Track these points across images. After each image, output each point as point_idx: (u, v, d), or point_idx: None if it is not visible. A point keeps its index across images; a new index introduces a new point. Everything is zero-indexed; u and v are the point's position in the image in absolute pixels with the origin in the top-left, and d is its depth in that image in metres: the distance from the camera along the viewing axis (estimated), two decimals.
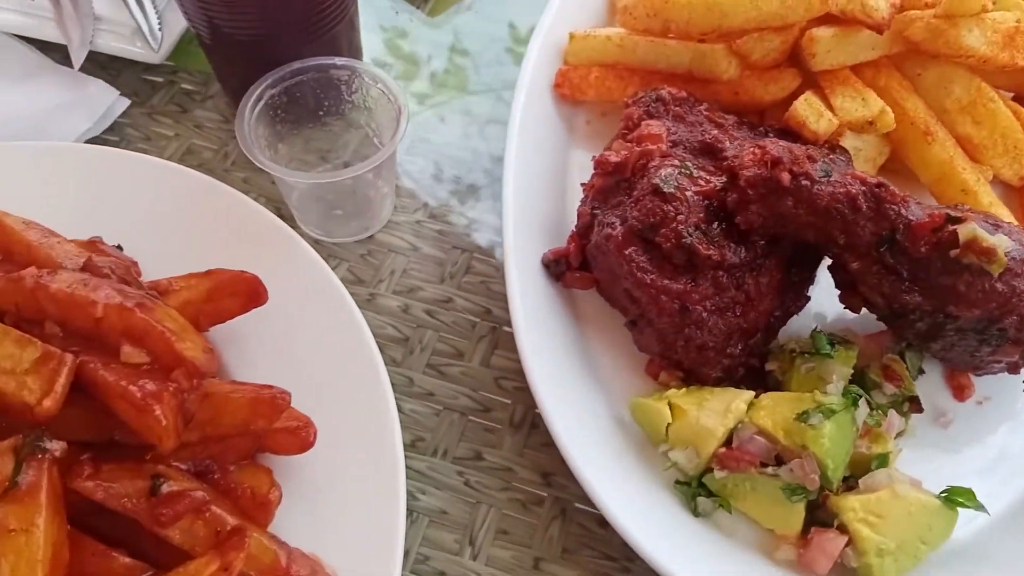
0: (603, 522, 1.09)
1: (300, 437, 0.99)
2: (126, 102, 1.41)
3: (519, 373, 1.20)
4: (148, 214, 1.21)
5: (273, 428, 0.99)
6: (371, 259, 1.31)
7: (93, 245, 1.11)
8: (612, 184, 1.16)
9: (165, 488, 0.91)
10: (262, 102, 1.20)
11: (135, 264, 1.07)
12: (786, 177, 1.01)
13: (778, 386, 1.10)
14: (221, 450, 0.98)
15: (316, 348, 1.10)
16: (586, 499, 1.10)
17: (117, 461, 0.93)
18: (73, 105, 1.39)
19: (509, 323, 1.24)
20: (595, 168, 1.18)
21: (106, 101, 1.39)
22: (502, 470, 1.13)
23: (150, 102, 1.47)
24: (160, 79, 1.50)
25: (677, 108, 1.21)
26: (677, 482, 1.06)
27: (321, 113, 1.29)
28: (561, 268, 1.18)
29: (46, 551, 0.83)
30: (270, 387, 0.98)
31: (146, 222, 1.19)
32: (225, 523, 0.92)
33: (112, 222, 1.17)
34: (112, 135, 1.42)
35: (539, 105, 1.35)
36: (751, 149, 1.04)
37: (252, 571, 0.90)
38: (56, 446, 0.88)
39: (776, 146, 1.03)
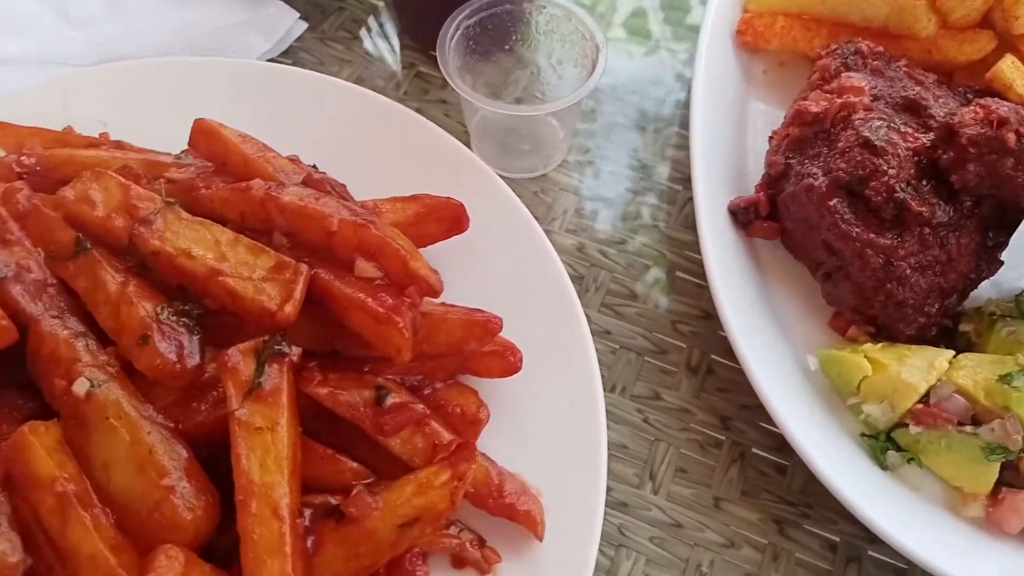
0: (781, 468, 1.11)
1: (508, 361, 1.01)
2: (304, 25, 1.42)
3: (695, 318, 1.22)
4: (337, 138, 1.22)
5: (482, 351, 1.01)
6: (544, 196, 1.32)
7: (295, 163, 1.14)
8: (810, 135, 1.15)
9: (389, 399, 0.94)
10: (459, 32, 1.21)
11: (344, 186, 1.09)
12: (1012, 138, 1.00)
13: (970, 347, 1.09)
14: (431, 368, 1.01)
15: (508, 276, 1.12)
16: (765, 445, 1.13)
17: (340, 371, 0.97)
18: (252, 24, 1.40)
19: (683, 268, 1.26)
20: (792, 118, 1.17)
21: (285, 23, 1.40)
22: (680, 411, 1.15)
23: (321, 27, 1.48)
24: (329, 4, 1.51)
25: (875, 62, 1.20)
26: (863, 435, 1.07)
27: (507, 47, 1.30)
28: (749, 216, 1.18)
29: (288, 450, 0.87)
30: (481, 311, 1.00)
31: (334, 145, 1.21)
32: (442, 437, 0.95)
33: (300, 143, 1.20)
34: (286, 58, 1.43)
35: (720, 52, 1.34)
36: (973, 107, 1.03)
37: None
38: (294, 351, 0.91)
39: (1002, 106, 1.01)
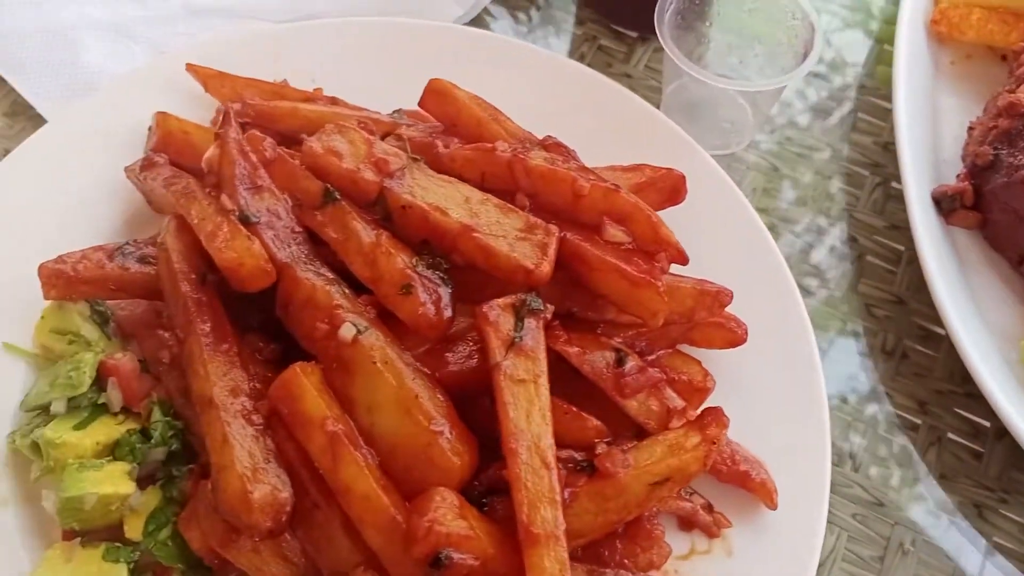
0: (978, 454, 1.13)
1: (733, 333, 1.03)
2: None
3: (888, 303, 1.23)
4: (541, 106, 1.24)
5: (707, 320, 1.03)
6: (730, 174, 1.33)
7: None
8: (1020, 127, 1.16)
9: (629, 362, 0.96)
10: (673, 4, 1.22)
11: (575, 152, 1.11)
12: None
13: None
14: (656, 336, 1.03)
15: (718, 248, 1.13)
16: (961, 431, 1.14)
17: (579, 332, 0.99)
18: None
19: (874, 252, 1.28)
20: (1003, 110, 1.18)
21: None
22: (877, 393, 1.17)
23: None
24: None
25: None
26: None
27: (708, 23, 1.31)
28: (953, 204, 1.19)
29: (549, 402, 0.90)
30: (711, 282, 1.03)
31: (540, 114, 1.22)
32: (675, 402, 0.98)
33: (506, 111, 1.21)
34: (473, 25, 1.45)
35: (912, 40, 1.34)
36: None
37: None
38: (548, 308, 0.94)
39: None
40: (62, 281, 1.04)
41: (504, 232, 0.96)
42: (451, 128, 1.11)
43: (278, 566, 0.89)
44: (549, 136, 1.07)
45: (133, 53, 1.39)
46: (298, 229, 1.01)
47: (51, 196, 1.18)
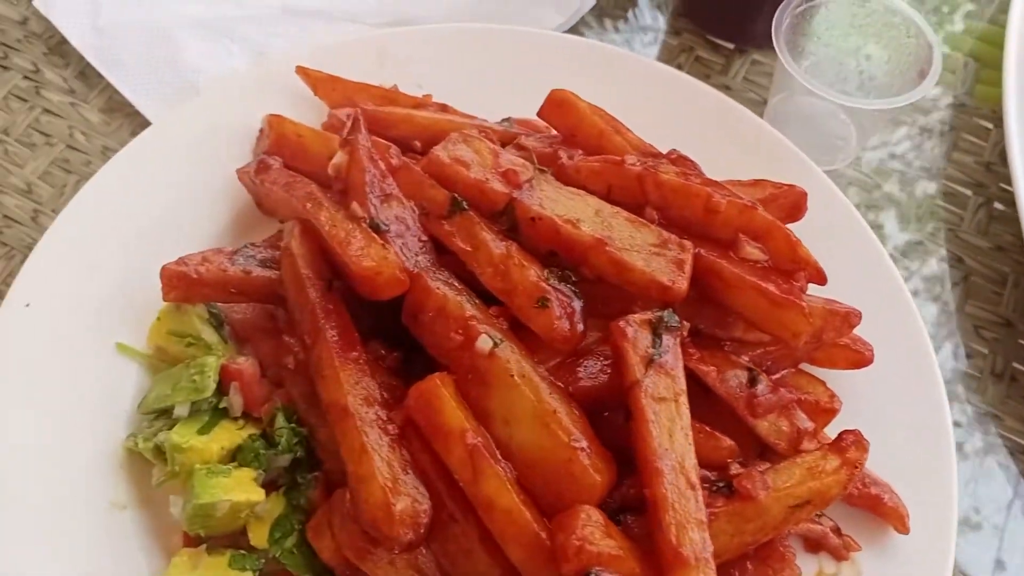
0: None
1: (860, 354, 1.03)
2: (593, 1, 1.43)
3: (995, 324, 1.22)
4: (650, 118, 1.23)
5: (833, 341, 1.03)
6: None
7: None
8: None
9: (761, 382, 0.96)
10: (788, 19, 1.21)
11: (698, 166, 1.10)
12: None
13: None
14: (781, 354, 1.03)
15: (833, 266, 1.12)
16: None
17: (708, 349, 0.98)
18: None
19: (979, 274, 1.27)
20: None
21: None
22: (986, 416, 1.16)
23: (598, 4, 1.49)
24: None
25: None
26: None
27: (817, 37, 1.30)
28: None
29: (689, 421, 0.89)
30: (839, 302, 1.02)
31: (649, 126, 1.21)
32: (805, 423, 0.97)
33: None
34: (570, 33, 1.45)
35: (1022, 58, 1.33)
36: None
37: None
38: (684, 326, 0.93)
39: None
40: (184, 283, 1.04)
41: (637, 246, 0.96)
42: (570, 139, 1.10)
43: None
44: (674, 150, 1.06)
45: (231, 53, 1.39)
46: (424, 238, 1.01)
47: (158, 198, 1.18)
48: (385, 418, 0.92)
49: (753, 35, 1.43)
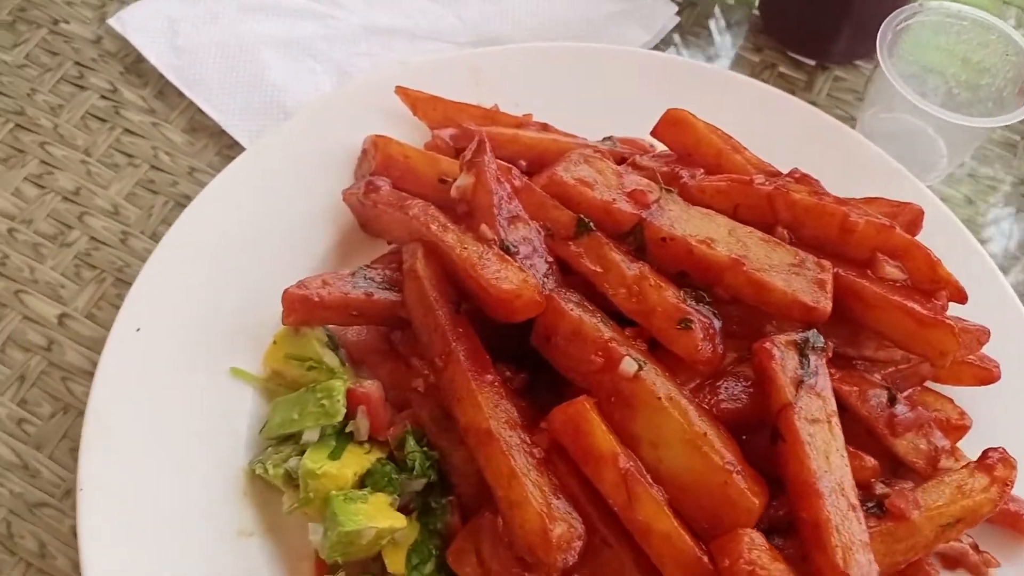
0: None
1: (987, 371, 1.03)
2: (677, 18, 1.44)
3: None
4: (745, 133, 1.23)
5: (961, 360, 1.03)
6: None
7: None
8: None
9: (900, 400, 0.95)
10: (889, 37, 1.22)
11: (819, 182, 1.10)
12: None
13: None
14: (908, 372, 1.03)
15: None
16: None
17: (844, 369, 0.98)
18: (629, 15, 1.42)
19: None
20: None
21: (663, 15, 1.41)
22: None
23: (680, 22, 1.49)
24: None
25: None
26: None
27: (908, 55, 1.31)
28: None
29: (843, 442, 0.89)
30: (968, 320, 1.02)
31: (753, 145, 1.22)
32: (942, 442, 0.97)
33: None
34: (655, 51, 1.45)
35: None
36: None
37: None
38: (830, 347, 0.93)
39: None
40: (305, 307, 1.02)
41: (775, 266, 0.96)
42: (686, 158, 1.10)
43: None
44: (796, 169, 1.06)
45: (315, 71, 1.38)
46: (550, 260, 1.00)
47: (259, 221, 1.17)
48: (528, 441, 0.91)
49: (834, 52, 1.44)
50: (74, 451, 1.12)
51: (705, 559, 0.83)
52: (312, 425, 0.98)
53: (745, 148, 1.10)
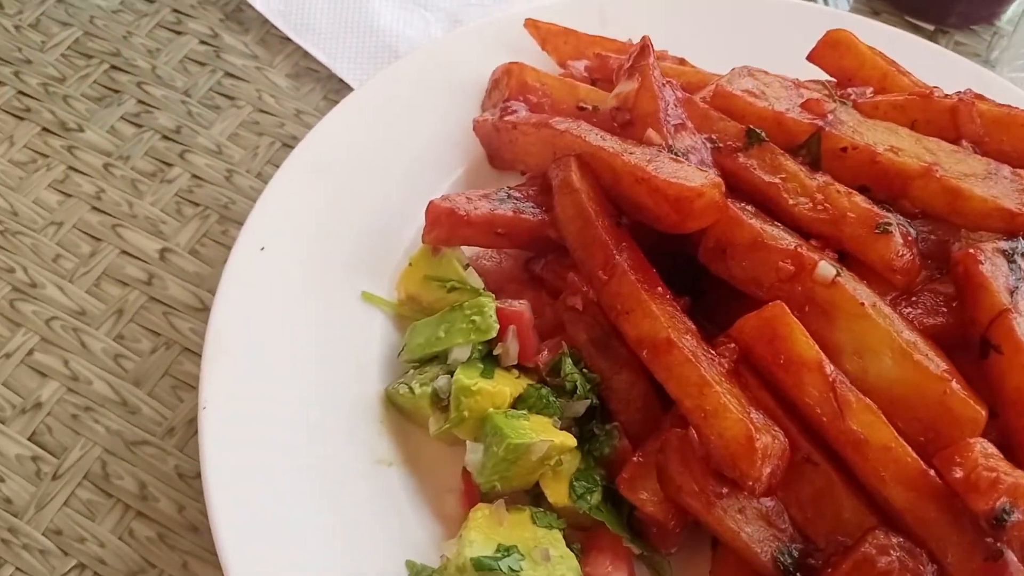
0: None
1: None
2: None
3: None
4: None
5: None
6: None
7: None
8: None
9: None
10: None
11: None
12: None
13: None
14: None
15: None
16: None
17: None
18: None
19: None
20: None
21: None
22: None
23: None
24: None
25: None
26: None
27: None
28: None
29: None
30: None
31: None
32: None
33: None
34: None
35: None
36: None
37: None
38: None
39: None
40: (450, 222, 0.95)
41: (968, 175, 0.89)
42: (845, 84, 1.04)
43: (760, 531, 0.78)
44: (969, 89, 1.00)
45: (427, 21, 1.33)
46: (717, 173, 0.93)
47: (383, 149, 1.10)
48: (711, 353, 0.82)
49: (953, 15, 1.39)
50: (176, 389, 1.03)
51: (932, 473, 0.74)
52: (462, 342, 0.89)
53: (909, 72, 1.04)
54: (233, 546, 0.81)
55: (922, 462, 0.74)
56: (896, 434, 0.75)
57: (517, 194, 0.99)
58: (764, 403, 0.80)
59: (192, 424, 1.00)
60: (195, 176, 1.21)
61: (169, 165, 1.22)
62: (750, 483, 0.74)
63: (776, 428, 0.78)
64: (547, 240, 0.97)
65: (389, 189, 1.07)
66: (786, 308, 0.80)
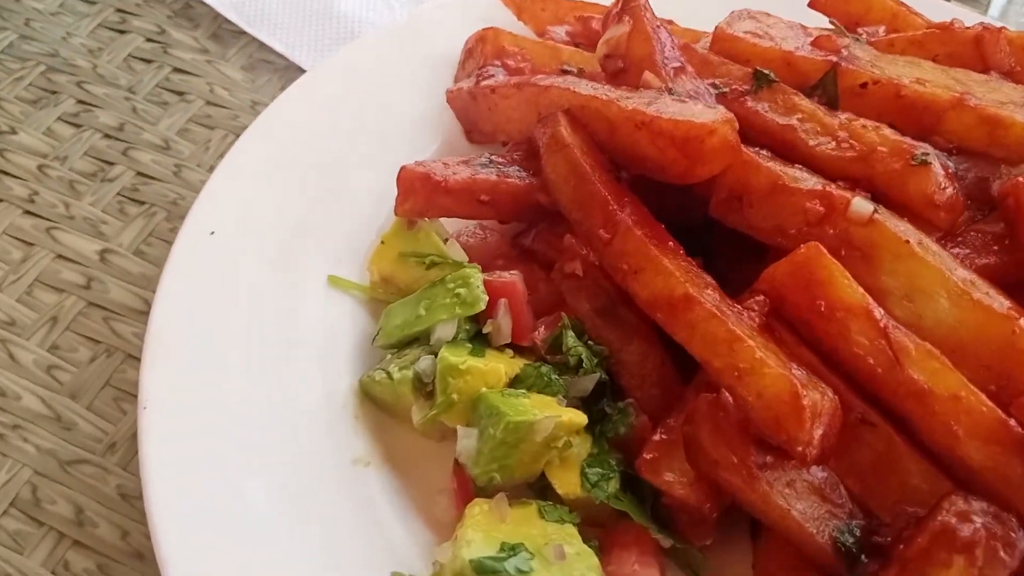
0: None
1: None
2: None
3: None
4: None
5: None
6: None
7: None
8: None
9: None
10: None
11: None
12: None
13: None
14: None
15: None
16: None
17: None
18: None
19: None
20: None
21: None
22: None
23: None
24: None
25: None
26: None
27: None
28: None
29: None
30: None
31: None
32: None
33: None
34: None
35: None
36: None
37: None
38: None
39: None
40: (425, 189, 0.83)
41: (1005, 103, 0.79)
42: (853, 28, 0.95)
43: (815, 508, 0.65)
44: (980, 23, 0.91)
45: (391, 7, 1.24)
46: None
47: (347, 126, 0.99)
48: (740, 308, 0.71)
49: None
50: (119, 400, 0.90)
51: (1012, 423, 0.63)
52: (447, 318, 0.77)
53: (920, 12, 0.95)
54: (182, 572, 0.67)
55: (999, 411, 0.63)
56: (966, 380, 0.64)
57: (500, 160, 0.88)
58: (805, 360, 0.69)
59: (137, 438, 0.86)
60: (140, 174, 1.09)
61: (111, 164, 1.10)
62: (799, 449, 0.62)
63: (823, 385, 0.66)
64: (536, 208, 0.86)
65: (354, 167, 0.95)
66: (822, 248, 0.69)
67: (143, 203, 1.06)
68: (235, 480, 0.72)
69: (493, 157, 0.88)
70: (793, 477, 0.65)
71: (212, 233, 0.86)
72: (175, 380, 0.76)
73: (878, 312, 0.67)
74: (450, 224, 0.89)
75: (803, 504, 0.65)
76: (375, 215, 0.91)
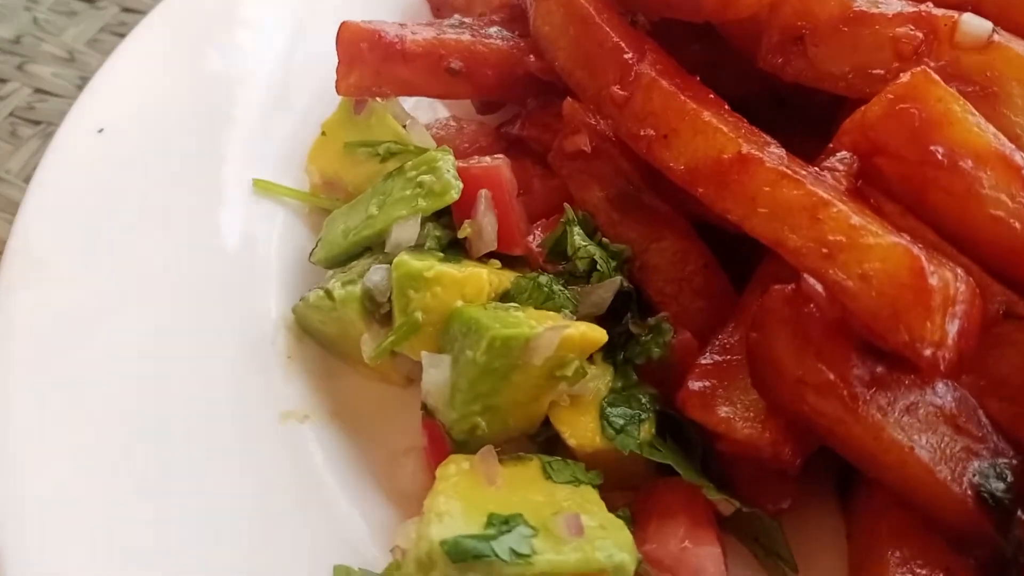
0: None
1: None
2: None
3: None
4: None
5: None
6: None
7: None
8: None
9: None
10: None
11: None
12: None
13: None
14: None
15: None
16: None
17: None
18: None
19: None
20: None
21: None
22: None
23: None
24: None
25: None
26: None
27: None
28: None
29: None
30: None
31: None
32: None
33: None
34: None
35: None
36: None
37: None
38: None
39: None
40: (376, 56, 0.63)
41: None
42: None
43: (947, 442, 0.44)
44: None
45: None
46: None
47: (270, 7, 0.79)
48: (815, 170, 0.50)
49: None
50: None
51: None
52: (406, 214, 0.56)
53: None
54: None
55: None
56: None
57: (476, 23, 0.68)
58: (918, 235, 0.48)
59: None
60: (38, 90, 0.89)
61: (3, 81, 0.90)
62: (928, 351, 0.42)
63: (950, 265, 0.45)
64: (525, 80, 0.65)
65: (286, 37, 0.75)
66: (932, 74, 0.48)
67: (39, 123, 0.86)
68: (120, 446, 0.52)
69: (467, 20, 0.68)
70: (915, 399, 0.44)
71: (100, 131, 0.66)
72: (44, 310, 0.56)
73: (1019, 157, 0.46)
74: (411, 110, 0.68)
75: (930, 438, 0.44)
76: (315, 103, 0.70)
